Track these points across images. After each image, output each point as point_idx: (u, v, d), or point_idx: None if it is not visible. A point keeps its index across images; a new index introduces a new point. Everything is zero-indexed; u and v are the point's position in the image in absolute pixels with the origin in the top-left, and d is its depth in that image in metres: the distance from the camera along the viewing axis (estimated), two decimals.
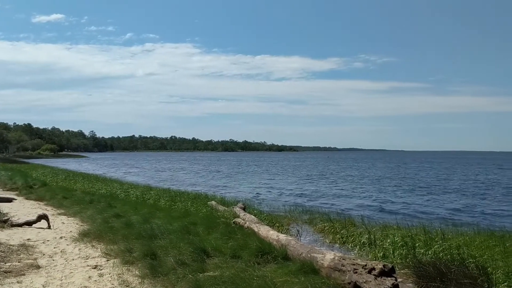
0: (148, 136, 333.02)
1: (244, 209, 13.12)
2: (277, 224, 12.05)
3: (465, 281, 5.60)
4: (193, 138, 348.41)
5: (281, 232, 9.64)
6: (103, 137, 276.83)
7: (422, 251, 7.96)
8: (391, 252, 8.30)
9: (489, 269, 6.41)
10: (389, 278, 5.09)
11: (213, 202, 14.88)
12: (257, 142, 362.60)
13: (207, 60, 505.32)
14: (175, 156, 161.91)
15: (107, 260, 7.33)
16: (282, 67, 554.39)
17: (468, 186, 31.94)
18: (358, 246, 9.43)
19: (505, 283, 6.00)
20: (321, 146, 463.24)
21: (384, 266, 5.23)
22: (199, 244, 7.55)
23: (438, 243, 8.22)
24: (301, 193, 26.34)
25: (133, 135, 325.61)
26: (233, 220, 10.67)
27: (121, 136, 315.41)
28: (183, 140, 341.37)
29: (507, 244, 8.47)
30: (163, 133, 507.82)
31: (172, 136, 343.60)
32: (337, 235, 10.68)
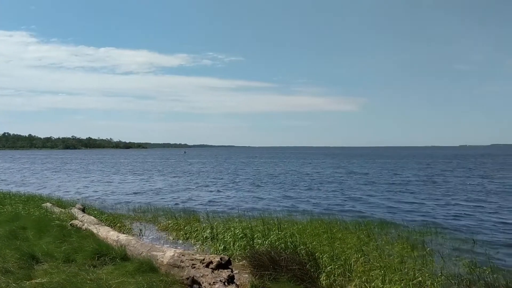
0: None
1: (83, 210, 12.41)
2: (119, 225, 11.63)
3: (295, 267, 6.04)
4: (30, 134, 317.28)
5: (123, 232, 9.37)
6: None
7: (260, 241, 8.35)
8: (232, 244, 8.58)
9: (317, 254, 7.03)
10: (225, 270, 5.24)
11: (48, 204, 13.77)
12: (102, 139, 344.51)
13: (45, 50, 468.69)
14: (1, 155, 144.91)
15: None
16: (128, 61, 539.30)
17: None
18: (200, 241, 9.56)
19: (330, 266, 6.63)
20: (171, 143, 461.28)
21: (221, 259, 5.38)
22: (27, 249, 6.97)
23: (275, 232, 8.70)
24: (144, 191, 25.53)
25: None
26: (70, 222, 10.02)
27: None
28: (17, 137, 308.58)
29: (334, 230, 9.40)
30: None
31: (5, 133, 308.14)
32: (181, 232, 10.70)
